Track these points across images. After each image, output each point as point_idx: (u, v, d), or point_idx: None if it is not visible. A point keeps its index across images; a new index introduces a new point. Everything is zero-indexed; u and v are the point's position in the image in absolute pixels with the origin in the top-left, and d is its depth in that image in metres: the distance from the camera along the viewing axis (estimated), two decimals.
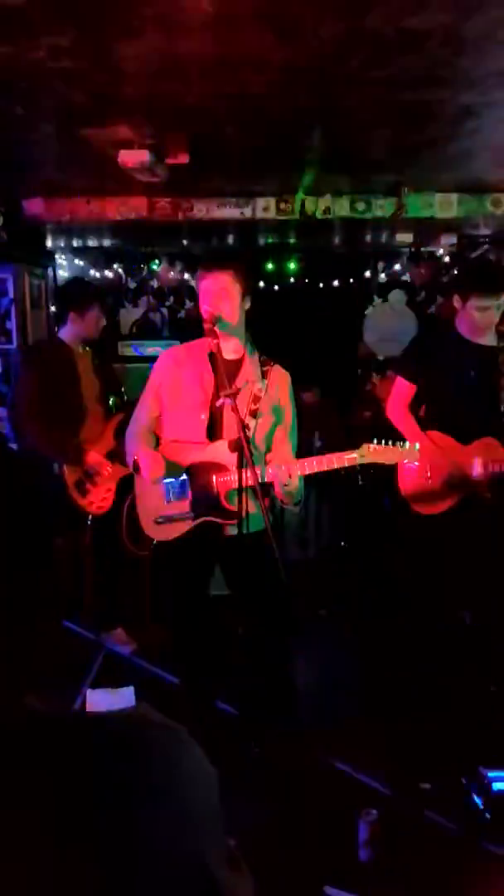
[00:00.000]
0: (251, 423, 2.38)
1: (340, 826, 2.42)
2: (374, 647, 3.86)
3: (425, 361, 3.00)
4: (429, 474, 2.99)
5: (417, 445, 2.33)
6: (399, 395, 3.03)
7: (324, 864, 2.29)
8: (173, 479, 2.44)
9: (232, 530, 2.37)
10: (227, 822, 0.69)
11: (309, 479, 2.49)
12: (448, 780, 2.59)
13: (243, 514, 2.19)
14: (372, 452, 2.34)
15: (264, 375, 2.44)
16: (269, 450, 2.51)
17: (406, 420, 3.03)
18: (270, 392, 2.44)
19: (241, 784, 2.45)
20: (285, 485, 2.26)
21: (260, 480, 2.27)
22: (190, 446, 2.44)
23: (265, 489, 2.40)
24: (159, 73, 2.17)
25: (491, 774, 2.47)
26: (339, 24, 1.84)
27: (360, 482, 4.79)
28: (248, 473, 2.12)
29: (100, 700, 3.26)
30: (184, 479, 2.42)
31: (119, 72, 2.16)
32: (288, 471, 2.27)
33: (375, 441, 2.35)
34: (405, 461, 2.37)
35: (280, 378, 2.49)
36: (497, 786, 2.44)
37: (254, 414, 2.40)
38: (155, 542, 2.54)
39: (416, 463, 2.40)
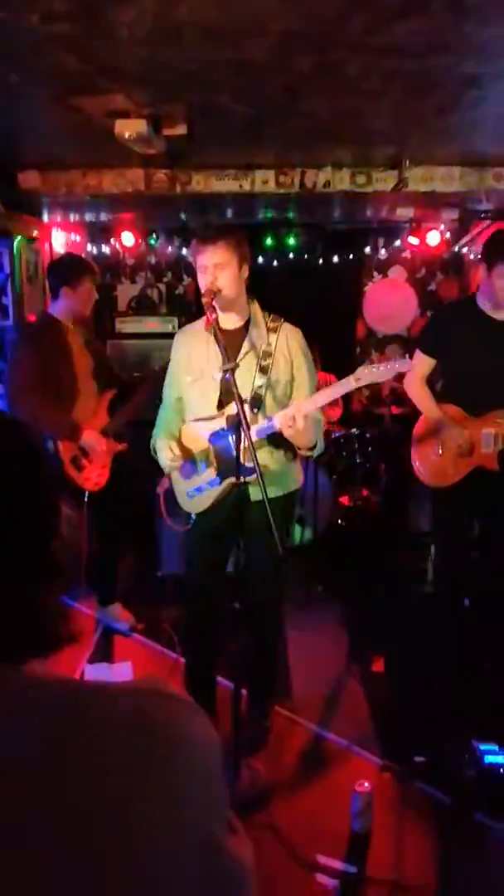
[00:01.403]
0: (261, 379, 2.38)
1: (334, 797, 2.46)
2: (370, 624, 3.89)
3: (443, 335, 3.06)
4: (440, 451, 3.09)
5: (408, 356, 2.37)
6: (416, 368, 3.06)
7: (317, 835, 2.33)
8: (199, 451, 2.53)
9: (256, 495, 2.37)
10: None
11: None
12: (441, 753, 2.63)
13: (235, 477, 2.25)
14: (365, 375, 2.31)
15: (272, 332, 2.44)
16: (287, 402, 2.49)
17: (422, 394, 3.09)
18: (281, 347, 2.45)
19: (238, 756, 2.49)
20: (290, 426, 2.26)
21: (275, 429, 2.35)
22: (206, 422, 2.50)
23: (277, 439, 2.41)
24: (156, 38, 2.12)
25: (483, 748, 2.51)
26: None
27: (357, 460, 4.79)
28: (248, 443, 2.15)
29: (97, 675, 3.29)
30: (207, 449, 2.49)
31: (115, 37, 2.10)
32: (292, 412, 2.28)
33: (368, 362, 2.38)
34: (397, 371, 2.37)
35: (290, 333, 2.51)
36: (489, 759, 2.47)
37: (263, 370, 2.40)
38: (194, 516, 2.56)
39: (407, 367, 2.43)
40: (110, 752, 0.61)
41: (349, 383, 2.33)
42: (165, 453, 2.47)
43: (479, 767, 2.47)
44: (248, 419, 2.33)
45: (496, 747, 2.51)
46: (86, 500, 3.32)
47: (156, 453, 2.59)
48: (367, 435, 4.79)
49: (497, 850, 2.30)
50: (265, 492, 2.06)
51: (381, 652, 3.50)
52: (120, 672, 3.32)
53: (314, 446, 2.46)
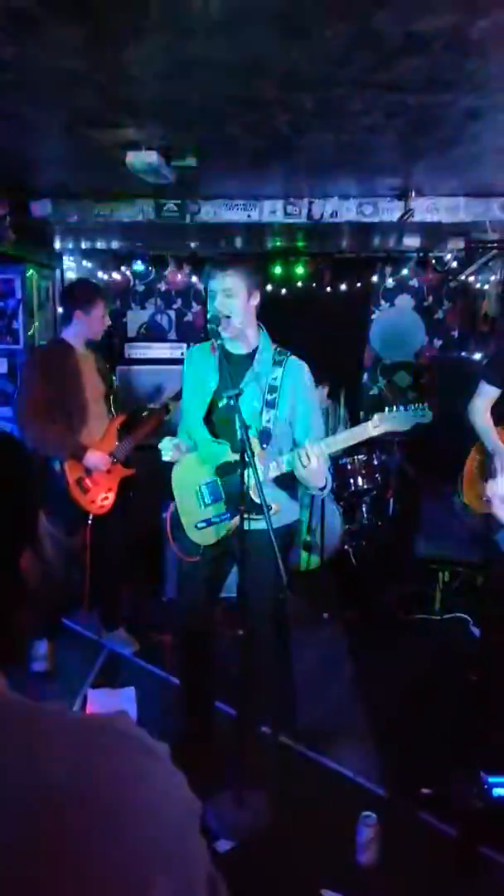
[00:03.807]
0: (268, 413, 2.40)
1: (339, 829, 2.41)
2: (376, 652, 3.85)
3: None
4: (489, 478, 3.22)
5: (427, 404, 2.35)
6: (482, 398, 3.23)
7: (322, 867, 2.28)
8: (205, 483, 2.50)
9: (252, 524, 2.36)
10: (225, 826, 0.68)
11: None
12: (448, 784, 2.58)
13: (244, 512, 2.25)
14: (384, 422, 2.31)
15: (279, 365, 2.46)
16: (294, 437, 2.51)
17: (487, 424, 3.23)
18: (286, 381, 2.46)
19: (240, 786, 2.45)
20: (304, 466, 2.27)
21: (284, 469, 2.37)
22: (200, 442, 2.54)
23: (288, 478, 2.42)
24: (167, 74, 2.18)
25: (491, 780, 2.46)
26: (346, 26, 1.84)
27: (365, 486, 4.78)
28: (251, 472, 2.18)
29: (100, 700, 3.27)
30: (215, 481, 2.47)
31: (127, 73, 2.17)
32: (305, 452, 2.29)
33: (386, 409, 2.32)
34: (417, 422, 2.34)
35: (295, 368, 2.51)
36: (497, 791, 2.42)
37: (271, 405, 2.42)
38: (202, 546, 2.55)
39: (428, 421, 2.34)
40: (44, 783, 0.54)
41: (367, 430, 2.33)
42: (171, 447, 2.47)
43: (487, 800, 2.42)
44: (258, 454, 2.35)
45: None
46: (90, 522, 3.33)
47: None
48: (375, 461, 4.79)
49: None
50: (270, 525, 2.10)
51: (388, 680, 3.46)
52: (123, 697, 3.29)
53: (325, 486, 2.45)
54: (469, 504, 3.41)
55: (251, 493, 2.32)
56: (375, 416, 2.32)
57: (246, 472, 2.26)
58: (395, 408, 2.32)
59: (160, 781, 0.59)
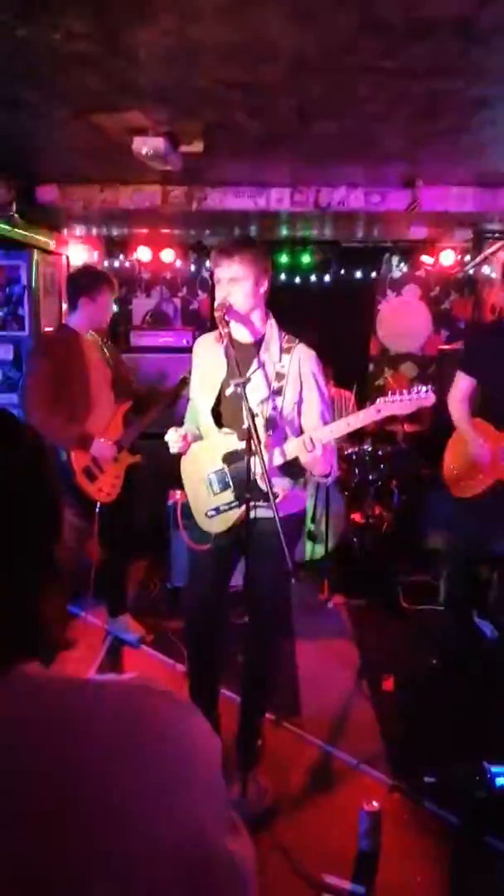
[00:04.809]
0: (275, 401, 2.39)
1: (342, 815, 2.43)
2: (381, 641, 3.87)
3: (480, 354, 3.27)
4: (462, 463, 3.26)
5: (429, 387, 2.31)
6: (458, 387, 3.27)
7: (325, 853, 2.30)
8: (214, 472, 2.49)
9: (258, 513, 2.36)
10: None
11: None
12: (452, 774, 2.60)
13: (251, 501, 2.25)
14: (386, 406, 2.30)
15: (287, 353, 2.44)
16: (301, 425, 2.49)
17: (462, 413, 3.26)
18: (293, 369, 2.44)
19: (244, 772, 2.47)
20: (309, 452, 2.26)
21: (289, 457, 2.35)
22: (209, 432, 2.52)
23: (293, 465, 2.40)
24: (174, 59, 2.16)
25: (494, 769, 2.47)
26: (354, 11, 1.82)
27: (370, 476, 4.78)
28: (258, 460, 2.17)
29: None
30: (223, 469, 2.46)
31: (134, 57, 2.15)
32: (310, 438, 2.28)
33: (390, 394, 2.31)
34: (420, 405, 2.31)
35: (303, 355, 2.48)
36: (500, 781, 2.43)
37: (278, 392, 2.41)
38: (213, 534, 2.54)
39: (431, 402, 2.31)
40: (93, 745, 0.61)
41: (370, 414, 2.31)
42: (177, 438, 2.48)
43: (491, 789, 2.44)
44: (264, 442, 2.33)
45: None
46: (97, 510, 3.34)
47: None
48: (380, 452, 4.78)
49: None
50: (277, 513, 2.09)
51: (392, 670, 3.48)
52: None
53: (330, 473, 2.44)
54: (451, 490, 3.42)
55: (258, 480, 2.30)
56: (379, 400, 2.31)
57: (252, 459, 2.25)
58: (398, 392, 2.32)
59: (192, 727, 0.69)
